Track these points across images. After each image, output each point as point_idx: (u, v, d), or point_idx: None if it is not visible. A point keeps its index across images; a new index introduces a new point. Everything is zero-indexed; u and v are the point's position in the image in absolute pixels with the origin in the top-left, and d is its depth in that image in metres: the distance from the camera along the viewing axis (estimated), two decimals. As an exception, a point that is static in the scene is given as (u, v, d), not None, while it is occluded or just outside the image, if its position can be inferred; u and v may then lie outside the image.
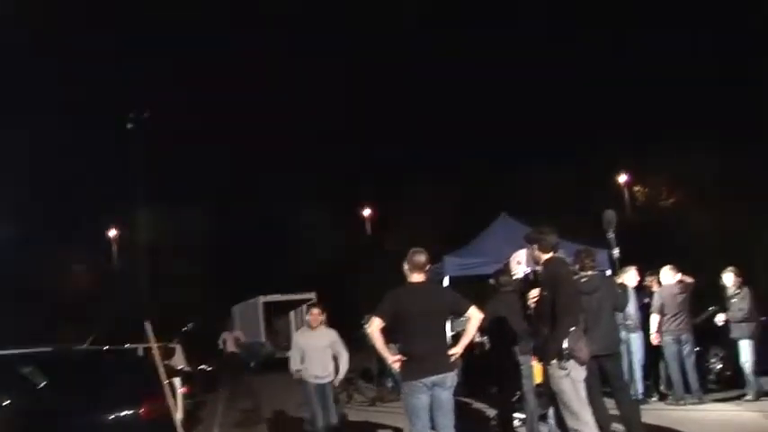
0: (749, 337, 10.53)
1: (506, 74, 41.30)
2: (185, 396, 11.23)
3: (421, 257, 6.68)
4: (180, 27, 43.55)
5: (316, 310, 9.97)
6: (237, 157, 43.57)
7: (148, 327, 8.34)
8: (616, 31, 40.53)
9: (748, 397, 10.41)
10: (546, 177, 33.57)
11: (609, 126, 35.96)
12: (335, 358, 9.73)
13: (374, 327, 6.53)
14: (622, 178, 38.71)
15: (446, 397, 6.51)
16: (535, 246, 6.71)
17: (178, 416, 8.45)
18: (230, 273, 38.56)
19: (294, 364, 9.67)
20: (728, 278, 10.77)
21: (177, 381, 10.45)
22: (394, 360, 6.58)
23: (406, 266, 6.70)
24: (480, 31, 44.80)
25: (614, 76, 38.25)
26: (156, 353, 8.08)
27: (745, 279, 10.96)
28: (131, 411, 7.20)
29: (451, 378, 6.53)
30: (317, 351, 9.59)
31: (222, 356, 23.96)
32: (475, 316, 6.70)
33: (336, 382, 9.89)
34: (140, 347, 10.88)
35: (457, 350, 6.64)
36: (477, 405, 11.52)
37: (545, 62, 41.48)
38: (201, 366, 18.04)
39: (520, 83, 40.58)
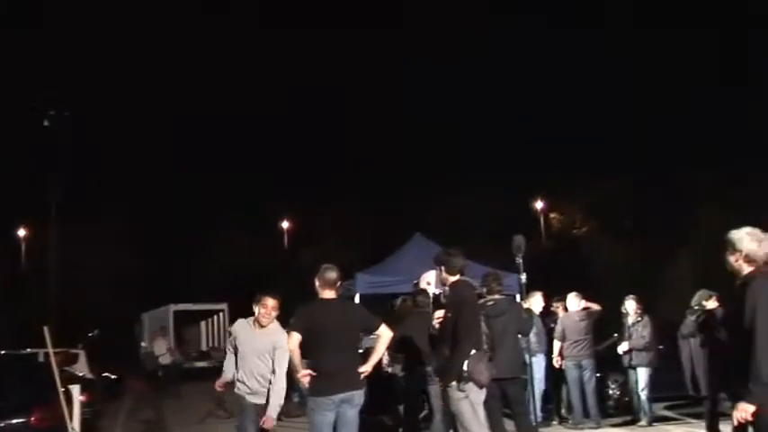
0: (647, 365, 10.87)
1: (429, 97, 42.04)
2: (85, 404, 10.90)
3: (332, 274, 6.63)
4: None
5: (272, 301, 7.17)
6: (155, 162, 42.86)
7: (46, 331, 8.09)
8: (536, 57, 41.77)
9: (642, 423, 10.74)
10: (464, 201, 34.12)
11: (528, 153, 36.85)
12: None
13: (294, 342, 6.42)
14: (539, 205, 39.53)
15: (352, 414, 6.48)
16: (443, 267, 6.78)
17: (74, 425, 8.24)
18: (143, 279, 37.75)
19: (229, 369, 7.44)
20: (630, 306, 11.11)
21: (76, 388, 10.15)
22: (303, 375, 6.52)
23: (317, 282, 6.66)
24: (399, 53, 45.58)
25: (538, 104, 39.37)
26: (52, 359, 7.83)
27: (647, 308, 11.32)
28: (22, 419, 6.97)
29: (359, 396, 6.49)
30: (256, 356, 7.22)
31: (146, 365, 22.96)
32: (385, 334, 6.67)
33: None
34: (41, 353, 10.55)
35: (366, 368, 6.63)
36: (382, 424, 11.54)
37: (466, 87, 42.39)
38: (105, 374, 17.56)
39: (443, 106, 41.29)
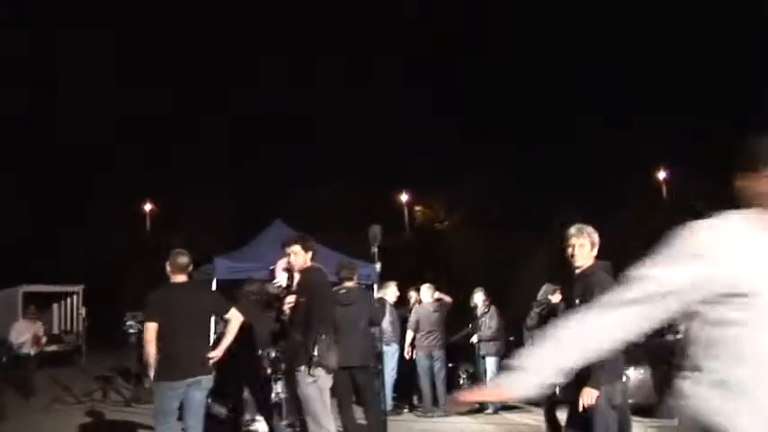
0: (495, 354, 11.29)
1: (300, 88, 41.95)
2: None
3: (183, 258, 6.67)
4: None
5: None
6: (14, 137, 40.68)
7: None
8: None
9: (488, 411, 11.17)
10: (327, 192, 34.22)
11: (394, 145, 37.29)
12: None
13: (151, 334, 6.41)
14: (404, 197, 40.10)
15: (199, 398, 6.48)
16: (296, 248, 6.78)
17: None
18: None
19: None
20: (478, 298, 11.55)
21: None
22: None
23: (168, 267, 6.67)
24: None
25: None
26: None
27: (496, 300, 11.76)
28: None
29: (207, 380, 6.52)
30: None
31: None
32: (235, 317, 6.76)
33: None
34: None
35: (216, 353, 6.63)
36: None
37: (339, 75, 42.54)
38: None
39: (314, 97, 41.24)
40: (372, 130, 38.65)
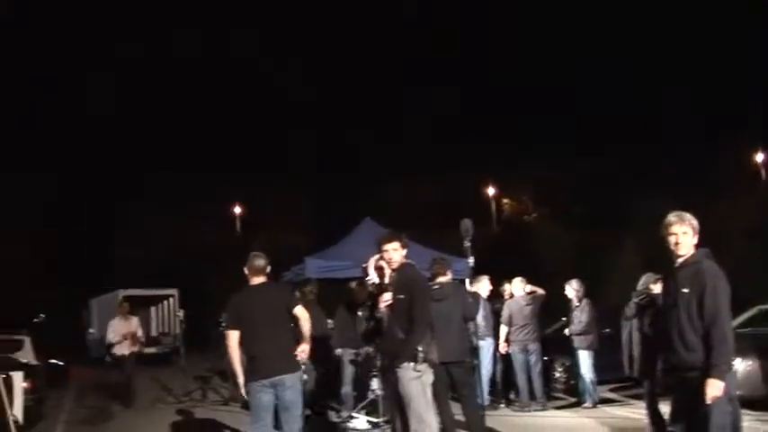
0: (587, 348, 11.06)
1: (379, 84, 42.05)
2: (28, 391, 10.72)
3: (260, 261, 6.86)
4: None
5: None
6: (101, 145, 42.09)
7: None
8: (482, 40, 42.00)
9: (587, 404, 10.94)
10: (416, 188, 34.19)
11: (479, 139, 37.00)
12: None
13: (232, 342, 6.61)
14: (491, 191, 39.77)
15: (289, 398, 6.60)
16: (395, 245, 6.71)
17: (15, 412, 8.10)
18: (88, 264, 37.16)
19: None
20: (570, 290, 11.30)
21: (18, 375, 9.98)
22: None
23: (246, 271, 6.85)
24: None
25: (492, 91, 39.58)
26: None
27: (589, 292, 11.50)
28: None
29: (291, 379, 6.61)
30: None
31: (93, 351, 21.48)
32: (301, 315, 6.85)
33: None
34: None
35: (303, 347, 6.78)
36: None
37: (414, 75, 42.53)
38: (52, 360, 17.26)
39: (392, 93, 41.31)
40: (455, 123, 38.54)
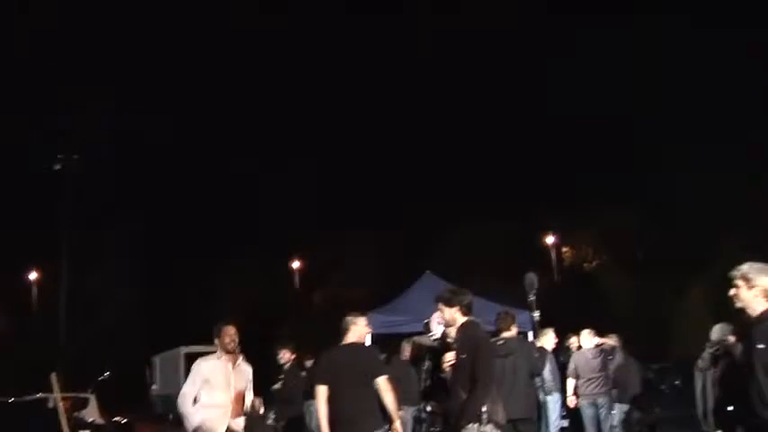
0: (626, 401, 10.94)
1: (437, 135, 42.14)
2: (94, 451, 10.81)
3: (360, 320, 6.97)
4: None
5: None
6: (159, 207, 42.79)
7: (54, 378, 8.02)
8: (540, 90, 41.86)
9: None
10: (474, 238, 33.95)
11: (537, 187, 36.70)
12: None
13: (320, 398, 6.64)
14: (550, 239, 39.22)
15: None
16: (455, 307, 6.65)
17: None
18: (152, 320, 37.66)
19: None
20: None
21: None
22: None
23: (344, 327, 6.91)
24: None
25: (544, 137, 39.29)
26: (60, 405, 7.76)
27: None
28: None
29: None
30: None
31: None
32: (384, 389, 6.78)
33: None
34: (51, 398, 10.43)
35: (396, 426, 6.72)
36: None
37: (475, 123, 42.51)
38: (116, 418, 17.38)
39: (450, 144, 41.33)
40: (510, 172, 38.37)
